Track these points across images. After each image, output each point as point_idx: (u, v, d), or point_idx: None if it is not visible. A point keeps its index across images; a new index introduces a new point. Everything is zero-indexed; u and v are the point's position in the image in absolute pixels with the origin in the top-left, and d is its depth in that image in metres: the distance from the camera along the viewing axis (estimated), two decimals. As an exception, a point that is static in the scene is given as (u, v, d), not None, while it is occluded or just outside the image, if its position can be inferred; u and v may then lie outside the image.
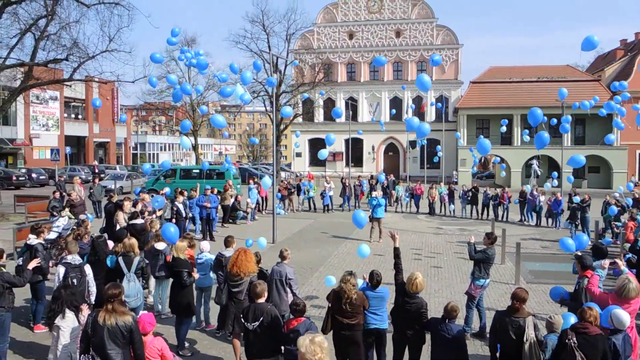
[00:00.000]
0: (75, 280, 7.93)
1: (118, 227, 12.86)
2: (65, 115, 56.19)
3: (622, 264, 7.10)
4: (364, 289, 7.07)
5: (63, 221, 13.35)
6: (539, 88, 47.95)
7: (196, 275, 8.80)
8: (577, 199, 19.38)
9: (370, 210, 18.39)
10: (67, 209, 15.98)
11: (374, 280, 7.04)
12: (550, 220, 22.69)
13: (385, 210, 20.90)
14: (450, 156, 50.84)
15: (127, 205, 14.03)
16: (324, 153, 12.81)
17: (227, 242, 9.34)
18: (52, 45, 23.40)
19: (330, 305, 6.79)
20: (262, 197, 25.60)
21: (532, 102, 42.77)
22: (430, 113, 54.02)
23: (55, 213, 16.99)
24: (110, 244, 9.80)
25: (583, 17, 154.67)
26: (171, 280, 8.80)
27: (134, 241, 8.83)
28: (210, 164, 51.74)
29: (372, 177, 31.69)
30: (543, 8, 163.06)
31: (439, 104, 45.01)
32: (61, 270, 8.07)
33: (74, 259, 8.18)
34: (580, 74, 51.99)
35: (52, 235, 12.38)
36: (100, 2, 22.62)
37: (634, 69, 45.80)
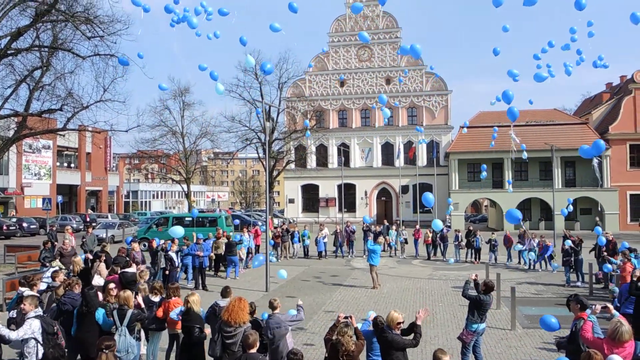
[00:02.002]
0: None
1: (95, 280, 12.51)
2: (58, 164, 56.27)
3: (612, 307, 7.07)
4: (367, 332, 7.11)
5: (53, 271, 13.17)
6: (527, 132, 48.58)
7: (208, 331, 8.56)
8: (568, 242, 19.39)
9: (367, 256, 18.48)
10: (57, 260, 15.83)
11: (379, 328, 7.13)
12: (544, 263, 22.70)
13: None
14: (443, 201, 51.03)
15: (103, 269, 13.57)
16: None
17: (225, 292, 9.08)
18: (47, 95, 23.71)
19: (327, 356, 6.71)
20: (255, 245, 25.42)
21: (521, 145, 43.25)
22: (422, 158, 54.52)
23: (46, 263, 16.82)
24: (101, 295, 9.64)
25: (570, 61, 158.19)
26: (162, 333, 8.60)
27: (129, 294, 8.65)
28: (202, 212, 51.70)
29: (364, 223, 31.69)
30: (529, 53, 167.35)
31: (432, 149, 45.44)
32: (36, 324, 7.45)
33: (36, 312, 7.79)
34: (568, 117, 52.91)
35: (42, 286, 12.19)
36: (95, 53, 23.00)
37: (621, 112, 46.72)
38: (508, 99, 11.58)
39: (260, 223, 31.78)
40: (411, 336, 7.15)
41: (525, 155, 25.07)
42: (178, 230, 13.98)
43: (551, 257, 22.06)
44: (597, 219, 42.08)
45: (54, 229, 26.82)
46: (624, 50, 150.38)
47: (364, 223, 28.61)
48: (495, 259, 24.89)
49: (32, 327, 7.36)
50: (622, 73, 55.66)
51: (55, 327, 7.68)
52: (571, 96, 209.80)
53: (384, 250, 27.64)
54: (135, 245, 16.18)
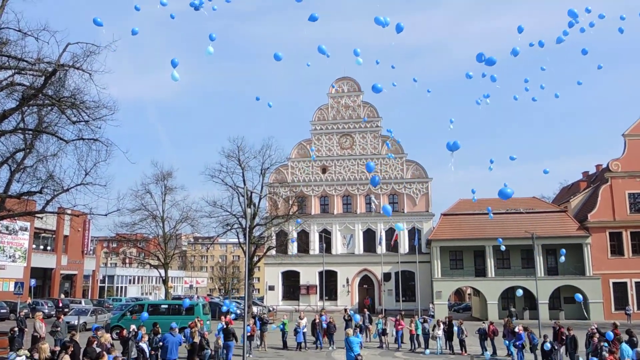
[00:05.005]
0: None
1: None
2: (34, 246, 54.92)
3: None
4: None
5: (19, 361, 12.44)
6: (508, 220, 49.09)
7: None
8: (547, 345, 19.11)
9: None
10: (23, 349, 14.99)
11: None
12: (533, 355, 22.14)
13: (362, 347, 20.07)
14: (426, 288, 50.42)
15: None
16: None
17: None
18: (27, 177, 23.43)
19: None
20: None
21: (502, 233, 43.58)
22: (404, 245, 54.36)
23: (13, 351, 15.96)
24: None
25: (547, 150, 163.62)
26: None
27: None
28: (179, 298, 50.26)
29: (345, 310, 30.95)
30: (508, 141, 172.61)
31: (414, 236, 45.41)
32: None
33: None
34: (547, 206, 53.69)
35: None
36: (79, 137, 23.02)
37: (598, 200, 47.58)
38: (507, 195, 11.86)
39: (238, 311, 30.77)
40: None
41: (502, 247, 25.17)
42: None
43: (535, 348, 21.54)
44: (513, 310, 42.09)
45: (23, 314, 25.71)
46: (598, 139, 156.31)
47: (345, 311, 27.91)
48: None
49: None
50: (598, 162, 57.28)
51: None
52: (549, 185, 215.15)
53: (368, 341, 26.81)
54: (107, 336, 15.44)
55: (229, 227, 48.29)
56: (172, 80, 14.87)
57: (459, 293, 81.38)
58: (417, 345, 26.12)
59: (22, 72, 20.12)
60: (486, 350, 23.79)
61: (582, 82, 21.06)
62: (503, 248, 25.04)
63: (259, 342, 25.38)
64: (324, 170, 58.83)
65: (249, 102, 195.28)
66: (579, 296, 21.03)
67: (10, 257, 50.68)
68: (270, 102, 20.40)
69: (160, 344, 17.65)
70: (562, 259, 26.63)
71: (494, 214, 50.52)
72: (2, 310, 39.93)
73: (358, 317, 24.94)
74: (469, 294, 76.54)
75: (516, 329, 22.51)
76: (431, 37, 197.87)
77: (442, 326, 25.70)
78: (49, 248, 58.78)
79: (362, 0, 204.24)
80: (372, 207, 42.45)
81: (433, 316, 41.45)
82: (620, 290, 46.14)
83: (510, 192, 12.01)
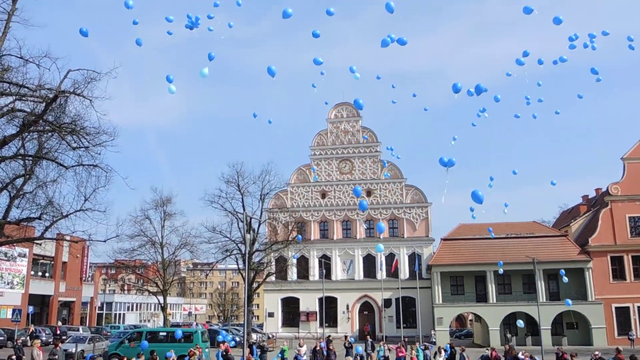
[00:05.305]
0: None
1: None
2: (32, 272, 54.51)
3: None
4: None
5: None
6: (508, 244, 48.90)
7: None
8: None
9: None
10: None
11: None
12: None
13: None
14: (427, 315, 49.96)
15: None
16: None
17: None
18: (27, 203, 23.38)
19: None
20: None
21: (503, 258, 43.30)
22: (404, 270, 54.03)
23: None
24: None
25: (546, 175, 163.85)
26: None
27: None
28: (178, 325, 49.75)
29: (345, 337, 30.60)
30: (506, 167, 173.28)
31: (414, 261, 45.17)
32: None
33: None
34: (548, 230, 53.52)
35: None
36: (79, 163, 23.05)
37: (599, 224, 47.44)
38: (479, 200, 11.68)
39: (237, 339, 30.43)
40: None
41: (501, 270, 24.99)
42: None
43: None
44: (509, 335, 41.63)
45: (20, 342, 25.42)
46: (598, 163, 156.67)
47: (345, 339, 27.59)
48: None
49: None
50: (597, 185, 57.26)
51: None
52: (549, 208, 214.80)
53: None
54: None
55: (228, 253, 48.11)
56: (169, 93, 15.21)
57: (460, 319, 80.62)
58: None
59: (23, 98, 20.25)
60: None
61: (582, 95, 21.06)
62: (501, 271, 24.84)
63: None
64: (323, 196, 58.80)
65: (248, 128, 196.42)
66: (569, 302, 20.76)
67: (8, 283, 50.28)
68: (270, 119, 20.70)
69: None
70: (565, 279, 26.33)
71: (494, 238, 50.68)
72: (-1, 338, 39.49)
73: (360, 348, 24.63)
74: (470, 320, 75.85)
75: (519, 355, 22.27)
76: (429, 62, 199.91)
77: (443, 353, 25.41)
78: (47, 274, 58.35)
79: (361, 27, 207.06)
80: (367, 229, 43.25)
81: (434, 343, 40.97)
82: (623, 315, 45.69)
83: (481, 195, 11.85)
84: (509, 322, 46.13)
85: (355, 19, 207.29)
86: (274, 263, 52.55)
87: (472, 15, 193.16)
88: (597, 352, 20.34)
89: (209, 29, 16.56)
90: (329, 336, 29.42)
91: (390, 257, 54.66)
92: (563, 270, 27.96)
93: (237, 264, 50.54)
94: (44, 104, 20.12)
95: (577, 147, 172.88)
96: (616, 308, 45.72)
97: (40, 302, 56.27)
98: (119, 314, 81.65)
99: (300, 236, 45.65)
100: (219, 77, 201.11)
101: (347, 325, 54.53)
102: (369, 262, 56.02)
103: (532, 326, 45.22)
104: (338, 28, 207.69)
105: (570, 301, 20.89)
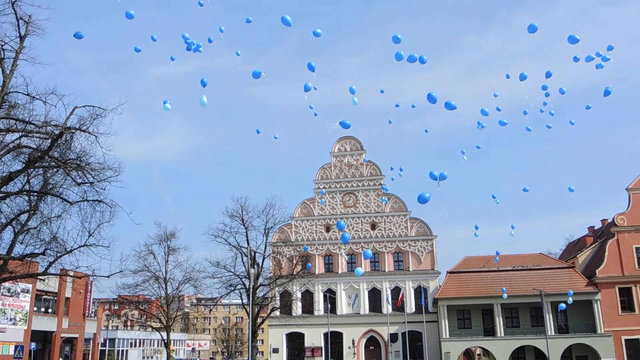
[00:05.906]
0: None
1: None
2: (35, 308, 54.14)
3: None
4: None
5: None
6: (515, 276, 48.47)
7: None
8: None
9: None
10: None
11: None
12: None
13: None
14: (434, 349, 49.15)
15: None
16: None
17: None
18: (31, 239, 23.42)
19: None
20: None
21: (509, 291, 42.90)
22: (410, 304, 53.41)
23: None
24: None
25: (552, 206, 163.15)
26: None
27: None
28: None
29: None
30: (509, 199, 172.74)
31: (420, 295, 44.70)
32: None
33: None
34: (554, 262, 53.06)
35: None
36: (83, 199, 23.16)
37: (606, 255, 47.03)
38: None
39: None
40: None
41: (505, 295, 24.68)
42: None
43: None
44: None
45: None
46: (603, 193, 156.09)
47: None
48: None
49: None
50: (603, 216, 56.96)
51: None
52: (555, 240, 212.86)
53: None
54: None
55: (233, 288, 47.83)
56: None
57: (468, 353, 78.94)
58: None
59: (30, 135, 20.48)
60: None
61: (590, 105, 20.80)
62: (505, 296, 24.55)
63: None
64: (327, 229, 58.64)
65: (253, 162, 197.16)
66: (563, 305, 20.23)
67: (11, 319, 49.90)
68: (276, 135, 20.95)
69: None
70: (570, 300, 25.82)
71: (501, 271, 50.21)
72: (1, 376, 39.05)
73: None
74: (478, 354, 74.44)
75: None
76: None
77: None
78: (50, 310, 57.95)
79: (362, 65, 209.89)
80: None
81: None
82: (633, 347, 44.90)
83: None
84: (517, 357, 45.38)
85: (360, 56, 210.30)
86: (278, 298, 52.15)
87: (471, 52, 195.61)
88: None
89: (199, 50, 16.91)
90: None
91: (396, 291, 54.15)
92: (563, 305, 27.20)
93: (242, 299, 50.15)
94: (49, 140, 20.31)
95: (582, 177, 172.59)
96: (626, 340, 44.97)
97: (42, 339, 55.71)
98: (122, 351, 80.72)
99: (310, 264, 45.40)
100: (224, 112, 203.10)
101: (353, 360, 53.65)
102: (375, 296, 55.44)
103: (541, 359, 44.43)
104: (340, 63, 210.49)
105: (564, 305, 20.32)
